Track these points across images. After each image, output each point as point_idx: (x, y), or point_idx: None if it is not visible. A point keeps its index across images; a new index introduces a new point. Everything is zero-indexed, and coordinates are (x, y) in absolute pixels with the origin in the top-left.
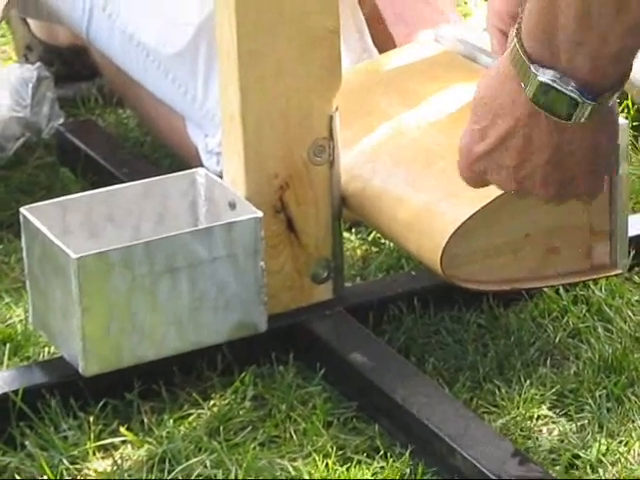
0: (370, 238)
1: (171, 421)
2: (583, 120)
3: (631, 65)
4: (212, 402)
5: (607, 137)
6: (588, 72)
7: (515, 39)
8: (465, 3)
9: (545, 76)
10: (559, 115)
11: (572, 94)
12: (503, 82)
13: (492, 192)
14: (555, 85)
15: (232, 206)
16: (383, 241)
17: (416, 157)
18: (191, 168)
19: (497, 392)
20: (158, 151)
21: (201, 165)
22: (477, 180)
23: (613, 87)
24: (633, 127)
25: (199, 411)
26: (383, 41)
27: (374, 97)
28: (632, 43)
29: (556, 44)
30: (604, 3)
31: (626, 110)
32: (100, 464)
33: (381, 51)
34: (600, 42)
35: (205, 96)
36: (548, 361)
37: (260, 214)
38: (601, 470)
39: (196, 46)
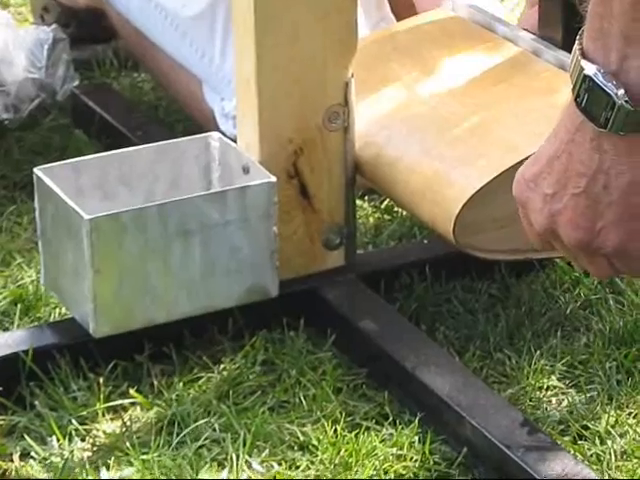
0: (383, 206)
1: (181, 384)
2: (621, 129)
3: None
4: (222, 366)
5: None
6: (636, 76)
7: (576, 49)
8: None
9: (590, 70)
10: (595, 118)
11: (610, 91)
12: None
13: (505, 161)
14: (596, 79)
15: (246, 170)
16: (396, 209)
17: (431, 125)
18: (207, 132)
19: (507, 362)
20: (172, 115)
21: (217, 129)
22: (522, 213)
23: None
24: None
25: (209, 375)
26: (405, 9)
27: (389, 64)
28: None
29: (608, 41)
30: None
31: None
32: (109, 425)
33: (401, 19)
34: None
35: (222, 60)
36: (559, 332)
37: (273, 179)
38: (609, 442)
39: (214, 9)
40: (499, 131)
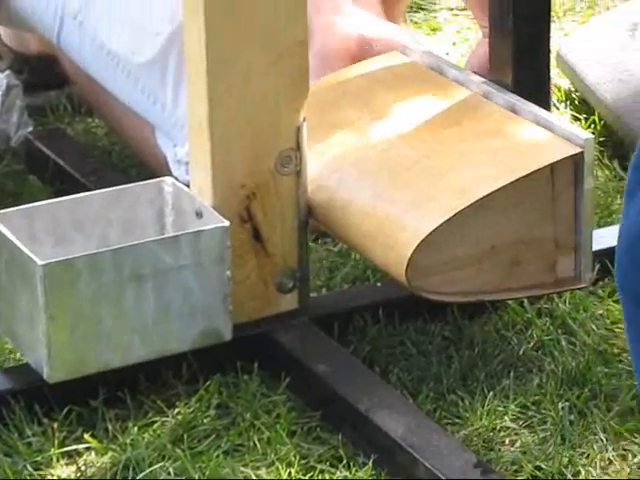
0: (336, 249)
1: (135, 428)
2: None
3: None
4: (177, 410)
5: None
6: None
7: None
8: (434, 18)
9: None
10: None
11: None
12: None
13: (457, 204)
14: None
15: (199, 215)
16: (349, 252)
17: (382, 169)
18: (159, 176)
19: (460, 403)
20: (126, 160)
21: (170, 175)
22: None
23: None
24: (599, 142)
25: (163, 419)
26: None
27: (341, 109)
28: None
29: None
30: None
31: (592, 125)
32: (64, 470)
33: None
34: None
35: (174, 105)
36: (512, 373)
37: (227, 223)
38: None
39: (166, 55)
40: (450, 174)
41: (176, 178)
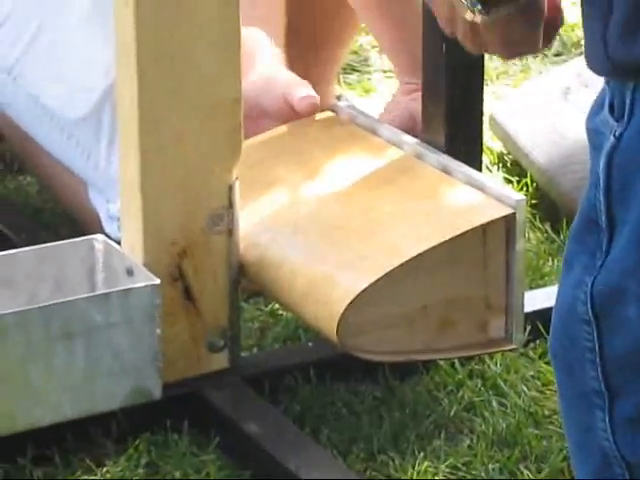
0: (268, 309)
1: None
2: None
3: None
4: (106, 469)
5: None
6: None
7: None
8: (368, 80)
9: None
10: None
11: None
12: None
13: (389, 264)
14: None
15: (130, 273)
16: (280, 312)
17: (314, 227)
18: (91, 234)
19: (391, 464)
20: (58, 218)
21: (102, 231)
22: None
23: None
24: (531, 205)
25: (92, 477)
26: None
27: (274, 168)
28: None
29: None
30: None
31: (525, 187)
32: None
33: None
34: None
35: (108, 162)
36: (442, 434)
37: (157, 281)
38: None
39: (100, 111)
40: (382, 233)
41: (108, 235)
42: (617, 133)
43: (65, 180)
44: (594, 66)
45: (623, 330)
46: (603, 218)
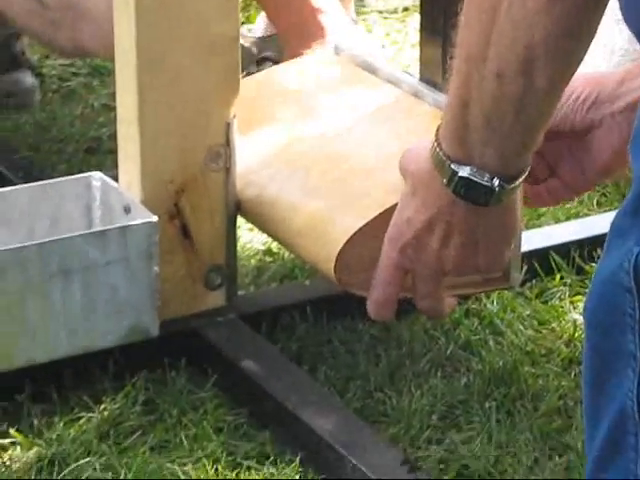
0: (264, 247)
1: (61, 424)
2: (497, 204)
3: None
4: (103, 406)
5: (515, 217)
6: (498, 165)
7: (434, 141)
8: (364, 20)
9: (464, 172)
10: (478, 203)
11: (488, 184)
12: (427, 179)
13: (387, 201)
14: (473, 178)
15: (127, 210)
16: (277, 250)
17: (313, 164)
18: None
19: (388, 402)
20: (54, 156)
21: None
22: (400, 267)
23: (520, 174)
24: None
25: (90, 414)
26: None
27: (273, 106)
28: (530, 139)
29: (468, 145)
30: (506, 110)
31: None
32: None
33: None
34: (504, 141)
35: None
36: (439, 372)
37: (155, 219)
38: None
39: None
40: (381, 171)
41: None
42: None
43: None
44: None
45: None
46: None
